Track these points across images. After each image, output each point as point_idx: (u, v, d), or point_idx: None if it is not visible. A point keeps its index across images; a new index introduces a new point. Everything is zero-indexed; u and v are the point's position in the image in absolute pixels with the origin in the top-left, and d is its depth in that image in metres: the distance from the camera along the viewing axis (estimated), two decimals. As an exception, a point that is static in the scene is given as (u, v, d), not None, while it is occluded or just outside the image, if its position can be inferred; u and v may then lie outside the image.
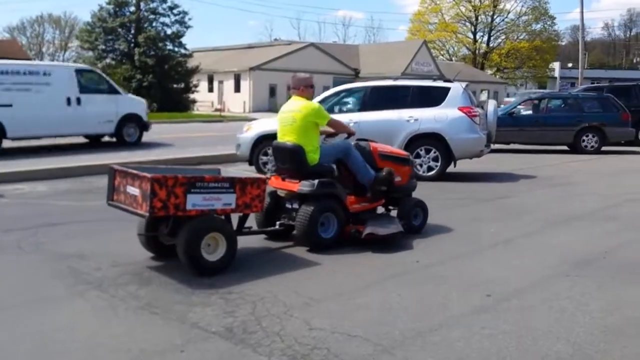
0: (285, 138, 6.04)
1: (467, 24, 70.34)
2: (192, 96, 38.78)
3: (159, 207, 4.54)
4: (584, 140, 15.83)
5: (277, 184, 6.09)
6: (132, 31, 35.07)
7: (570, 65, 74.77)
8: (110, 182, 5.10)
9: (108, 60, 35.09)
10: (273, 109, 47.46)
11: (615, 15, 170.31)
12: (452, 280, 4.76)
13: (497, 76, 70.36)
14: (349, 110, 11.08)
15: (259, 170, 10.95)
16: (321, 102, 11.05)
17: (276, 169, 6.39)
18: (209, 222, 4.89)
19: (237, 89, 47.42)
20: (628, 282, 4.74)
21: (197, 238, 4.76)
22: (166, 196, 4.56)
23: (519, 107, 16.76)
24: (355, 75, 53.09)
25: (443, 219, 6.91)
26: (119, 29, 34.69)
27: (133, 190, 4.77)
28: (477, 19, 68.64)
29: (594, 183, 10.36)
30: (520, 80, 71.55)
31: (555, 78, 70.53)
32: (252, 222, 5.83)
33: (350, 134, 6.49)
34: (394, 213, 6.58)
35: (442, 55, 73.22)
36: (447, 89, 10.62)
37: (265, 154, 10.87)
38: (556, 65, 74.19)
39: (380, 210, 6.59)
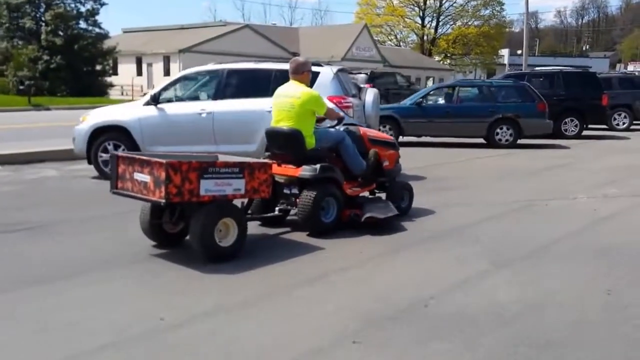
0: (282, 123, 6.10)
1: (416, 8, 69.40)
2: (109, 80, 36.54)
3: (174, 193, 4.58)
4: (497, 133, 14.62)
5: (274, 170, 5.86)
6: (42, 9, 32.64)
7: (519, 52, 74.81)
8: (114, 170, 5.07)
9: (16, 41, 32.57)
10: (205, 94, 45.66)
11: (568, 2, 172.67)
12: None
13: (445, 63, 69.80)
14: (201, 98, 9.52)
15: (99, 171, 9.36)
16: (167, 87, 9.54)
17: (270, 154, 6.30)
18: (221, 207, 4.96)
19: (167, 72, 45.29)
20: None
21: (212, 224, 4.83)
22: (181, 182, 4.59)
23: (429, 96, 15.46)
24: (294, 59, 51.43)
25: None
26: (26, 6, 32.22)
27: (142, 176, 4.79)
28: (425, 3, 67.61)
29: (486, 187, 9.06)
30: (469, 67, 71.16)
31: (505, 65, 70.41)
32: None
33: (340, 120, 6.61)
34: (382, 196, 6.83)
35: (390, 41, 72.24)
36: (316, 74, 9.17)
37: (106, 151, 9.28)
38: (505, 52, 74.09)
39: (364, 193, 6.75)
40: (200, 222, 4.81)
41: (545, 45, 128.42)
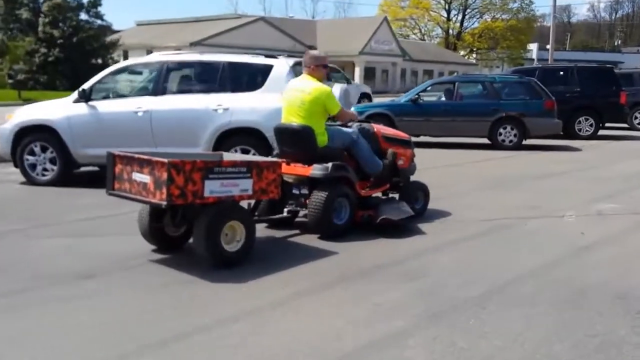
0: (292, 119, 5.84)
1: (441, 1, 67.77)
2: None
3: (177, 194, 4.37)
4: (500, 134, 13.30)
5: (283, 169, 5.52)
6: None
7: (549, 46, 72.63)
8: (110, 170, 4.84)
9: (15, 32, 31.81)
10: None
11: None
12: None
13: (470, 57, 68.12)
14: (138, 94, 8.41)
15: (25, 175, 8.34)
16: (101, 81, 8.46)
17: (280, 152, 6.02)
18: (228, 209, 4.75)
19: (178, 66, 44.46)
20: None
21: (217, 228, 4.61)
22: (184, 183, 4.39)
23: (425, 92, 14.14)
24: (311, 53, 50.28)
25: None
26: (23, -5, 31.49)
27: (142, 177, 4.57)
28: (451, -5, 66.04)
29: (468, 199, 7.74)
30: (495, 62, 69.32)
31: (533, 59, 68.50)
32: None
33: (353, 120, 6.36)
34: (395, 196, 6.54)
35: (415, 35, 70.75)
36: (269, 68, 8.02)
37: (33, 153, 8.26)
38: (534, 46, 72.09)
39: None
40: (204, 226, 4.57)
41: (577, 40, 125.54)
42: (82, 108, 8.18)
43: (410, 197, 6.47)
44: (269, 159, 5.34)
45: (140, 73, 8.64)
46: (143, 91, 8.38)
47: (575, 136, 15.57)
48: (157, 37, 46.72)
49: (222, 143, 7.85)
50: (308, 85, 5.82)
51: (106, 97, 8.42)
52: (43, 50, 29.81)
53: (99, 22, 34.52)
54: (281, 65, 7.98)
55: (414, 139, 7.22)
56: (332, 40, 47.57)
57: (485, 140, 13.70)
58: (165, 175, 4.31)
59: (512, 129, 13.20)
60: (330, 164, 5.64)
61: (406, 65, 54.01)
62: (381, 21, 50.11)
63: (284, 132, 5.97)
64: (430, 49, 61.86)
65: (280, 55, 8.36)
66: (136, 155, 4.68)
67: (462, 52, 68.37)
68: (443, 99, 14.03)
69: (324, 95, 5.78)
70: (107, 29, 36.78)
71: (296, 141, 5.85)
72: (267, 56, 8.23)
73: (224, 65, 8.11)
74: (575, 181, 9.32)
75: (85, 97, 8.17)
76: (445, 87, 14.19)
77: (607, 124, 16.72)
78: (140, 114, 7.98)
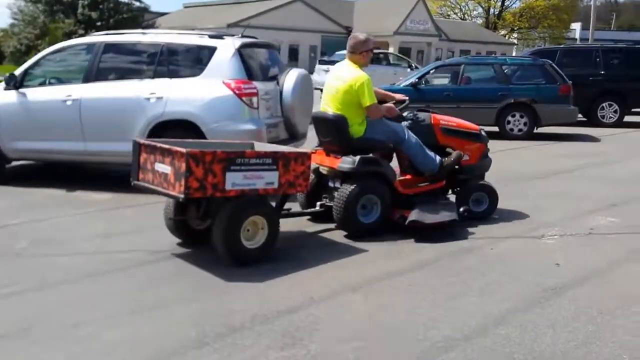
0: (327, 107, 5.32)
1: (483, -22, 64.47)
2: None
3: (196, 187, 4.01)
4: (509, 122, 11.53)
5: (319, 160, 5.36)
6: (82, -20, 30.89)
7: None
8: (136, 159, 4.52)
9: (58, 15, 30.99)
10: (255, 68, 43.42)
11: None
12: None
13: (511, 37, 64.96)
14: (71, 80, 7.09)
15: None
16: (34, 65, 7.19)
17: (319, 142, 5.56)
18: (250, 204, 4.34)
19: (216, 47, 43.38)
20: None
21: (238, 223, 4.21)
22: (203, 174, 4.01)
23: (431, 76, 12.41)
24: (347, 34, 48.39)
25: None
26: (66, -23, 30.56)
27: (163, 167, 4.23)
28: (493, -27, 62.69)
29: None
30: (536, 41, 65.91)
31: (576, 39, 64.94)
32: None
33: (400, 102, 5.59)
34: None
35: (455, 14, 67.82)
36: (212, 50, 6.59)
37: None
38: (577, 25, 68.31)
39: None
40: (224, 220, 4.19)
41: (624, 20, 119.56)
42: (11, 96, 6.94)
43: (468, 199, 5.54)
44: (298, 149, 4.79)
45: (75, 56, 7.31)
46: (75, 76, 7.06)
47: (599, 123, 13.65)
48: (200, 19, 45.64)
49: (158, 138, 6.52)
50: (345, 74, 5.21)
51: (43, 84, 7.18)
52: (81, 32, 28.79)
53: (137, 4, 33.42)
54: (225, 48, 6.54)
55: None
56: (368, 21, 45.62)
57: (495, 128, 11.97)
58: (184, 166, 3.94)
59: (521, 116, 11.42)
60: (358, 157, 4.99)
61: (442, 45, 51.51)
62: (417, 1, 47.62)
63: (319, 121, 5.43)
64: (469, 29, 58.94)
65: (228, 35, 6.91)
66: (159, 144, 4.33)
67: (502, 32, 65.14)
68: (435, 83, 12.33)
69: (358, 84, 5.06)
70: (145, 11, 35.74)
71: (329, 131, 5.29)
72: (211, 36, 6.80)
73: (163, 47, 6.72)
74: (580, 182, 7.64)
75: (15, 83, 6.93)
76: (452, 70, 12.44)
77: (635, 110, 14.76)
78: (69, 103, 6.69)
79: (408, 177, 5.45)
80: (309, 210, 5.42)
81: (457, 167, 5.57)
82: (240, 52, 6.54)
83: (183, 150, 4.01)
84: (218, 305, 3.71)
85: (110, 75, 6.85)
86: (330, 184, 5.36)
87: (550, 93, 11.37)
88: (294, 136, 6.97)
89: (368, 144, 5.20)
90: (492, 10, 64.74)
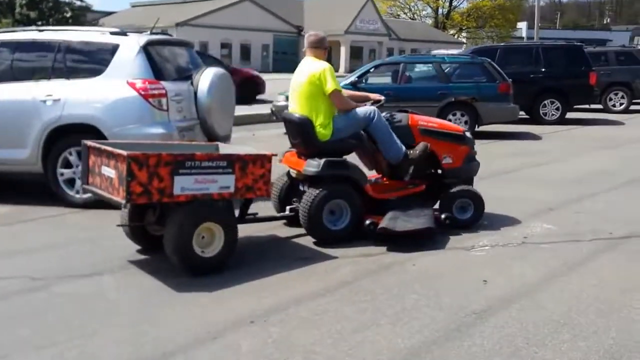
0: (295, 107, 5.00)
1: (430, -21, 64.69)
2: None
3: (139, 192, 3.76)
4: (450, 121, 11.11)
5: (290, 162, 5.08)
6: (20, -22, 29.36)
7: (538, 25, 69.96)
8: (85, 162, 4.33)
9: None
10: (204, 68, 42.43)
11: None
12: None
13: (460, 36, 65.46)
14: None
15: None
16: None
17: (290, 144, 5.25)
18: (203, 209, 4.03)
19: (165, 46, 42.21)
20: None
21: (189, 230, 3.92)
22: (148, 179, 3.76)
23: (371, 74, 11.91)
24: (298, 33, 47.86)
25: None
26: (1, -25, 29.05)
27: (109, 171, 3.99)
28: (441, -26, 62.94)
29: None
30: (484, 41, 66.50)
31: (523, 38, 65.84)
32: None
33: (376, 102, 5.23)
34: None
35: (405, 14, 67.93)
36: (115, 47, 5.91)
37: None
38: (523, 25, 69.25)
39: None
40: (174, 227, 3.94)
41: (568, 19, 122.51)
42: None
43: (451, 206, 5.13)
44: (257, 151, 4.45)
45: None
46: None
47: (541, 121, 13.42)
48: (148, 18, 44.21)
49: (56, 144, 5.82)
50: (308, 66, 4.92)
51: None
52: (19, 32, 27.40)
53: (78, 3, 31.98)
54: (129, 45, 5.86)
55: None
56: (319, 20, 45.06)
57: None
58: (125, 170, 3.69)
59: (462, 115, 11.01)
60: (323, 160, 4.68)
61: (393, 45, 51.48)
62: (366, 0, 47.36)
63: (287, 123, 5.14)
64: (419, 28, 59.19)
65: (132, 32, 6.24)
66: (103, 147, 4.08)
67: (452, 32, 65.58)
68: (376, 81, 11.85)
69: (320, 71, 4.79)
70: (88, 10, 34.35)
71: (297, 133, 4.98)
72: (114, 33, 6.10)
73: (60, 45, 6.00)
74: (518, 184, 7.22)
75: None
76: (393, 69, 11.97)
77: (579, 106, 14.62)
78: (-41, 108, 5.92)
79: (384, 180, 5.18)
80: (278, 215, 5.13)
81: (439, 170, 5.27)
82: (147, 50, 5.88)
83: (124, 153, 3.74)
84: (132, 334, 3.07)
85: (2, 77, 6.08)
86: (301, 188, 5.03)
87: (489, 91, 11.00)
88: (213, 139, 6.33)
89: (337, 146, 4.90)
90: (440, 10, 65.08)
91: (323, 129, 4.85)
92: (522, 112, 13.58)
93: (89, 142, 4.34)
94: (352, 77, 11.65)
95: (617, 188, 7.05)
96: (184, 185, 3.90)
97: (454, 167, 5.27)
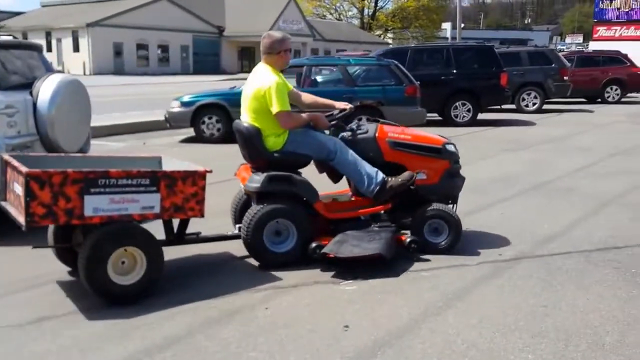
0: (244, 117, 4.53)
1: (357, -20, 64.85)
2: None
3: (42, 213, 3.42)
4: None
5: (241, 177, 4.64)
6: None
7: (462, 25, 71.34)
8: (3, 176, 3.99)
9: None
10: (120, 70, 40.87)
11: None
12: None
13: (385, 37, 65.96)
14: None
15: None
16: None
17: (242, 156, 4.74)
18: (119, 233, 3.67)
19: (76, 48, 40.28)
20: None
21: (102, 256, 3.57)
22: (52, 199, 3.42)
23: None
24: (220, 33, 46.85)
25: None
26: None
27: (18, 188, 3.64)
28: (366, -25, 63.18)
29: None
30: (409, 41, 67.27)
31: (447, 38, 67.00)
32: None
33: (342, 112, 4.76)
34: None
35: (332, 15, 67.88)
36: None
37: None
38: (447, 25, 70.45)
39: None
40: (86, 252, 3.53)
41: (492, 19, 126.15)
42: None
43: (421, 227, 4.59)
44: (191, 168, 4.06)
45: None
46: None
47: (452, 123, 13.14)
48: (59, 18, 42.39)
49: None
50: (255, 78, 4.48)
51: None
52: None
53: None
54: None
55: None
56: (241, 21, 44.37)
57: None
58: (24, 189, 3.38)
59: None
60: (264, 175, 4.29)
61: (318, 45, 51.26)
62: (288, 1, 46.84)
63: (236, 133, 4.61)
64: (344, 29, 59.23)
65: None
66: (12, 161, 3.74)
67: (377, 32, 65.99)
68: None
69: (265, 88, 4.32)
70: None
71: (244, 143, 4.51)
72: None
73: None
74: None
75: None
76: (296, 72, 11.36)
77: (493, 107, 14.47)
78: None
79: (357, 199, 4.70)
80: (225, 234, 4.57)
81: (411, 187, 4.64)
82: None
83: (24, 169, 3.42)
84: None
85: None
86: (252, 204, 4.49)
87: (396, 95, 10.58)
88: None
89: (289, 158, 4.46)
90: (366, 11, 65.42)
91: (275, 137, 4.42)
92: (434, 114, 13.32)
93: (6, 156, 3.95)
94: (252, 81, 10.98)
95: (516, 197, 6.67)
96: (97, 205, 3.56)
97: (429, 183, 4.70)
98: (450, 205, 4.85)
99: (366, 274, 4.22)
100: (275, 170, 4.37)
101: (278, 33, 4.65)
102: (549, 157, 9.28)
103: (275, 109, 4.31)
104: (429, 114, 11.67)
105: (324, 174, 4.80)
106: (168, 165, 4.40)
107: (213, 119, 10.78)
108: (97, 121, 10.75)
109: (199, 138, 10.86)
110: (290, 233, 4.37)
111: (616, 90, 19.43)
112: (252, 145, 4.46)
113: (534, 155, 9.46)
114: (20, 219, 3.52)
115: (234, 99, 10.78)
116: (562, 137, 11.60)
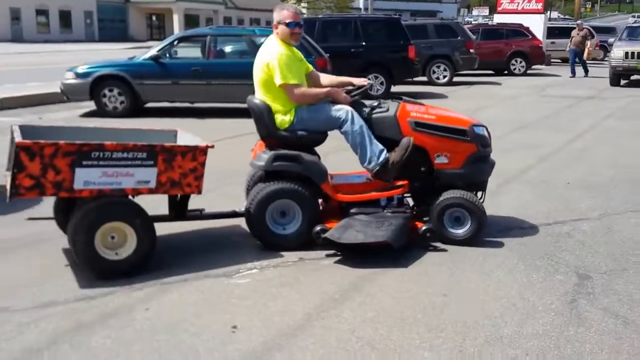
0: (256, 93, 4.35)
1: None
2: None
3: (29, 185, 3.39)
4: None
5: (255, 153, 4.43)
6: None
7: (376, -4, 71.49)
8: (11, 146, 3.72)
9: None
10: (18, 38, 38.30)
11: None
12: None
13: (300, 5, 65.24)
14: None
15: None
16: None
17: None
18: (108, 207, 3.61)
19: None
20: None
21: (89, 230, 3.53)
22: (41, 170, 3.38)
23: (176, 48, 10.67)
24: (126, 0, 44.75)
25: None
26: None
27: None
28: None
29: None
30: (325, 11, 66.82)
31: (360, 9, 67.03)
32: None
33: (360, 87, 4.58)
34: None
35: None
36: None
37: None
38: (359, -5, 70.47)
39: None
40: (73, 226, 3.53)
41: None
42: None
43: (441, 215, 4.29)
44: (193, 142, 3.96)
45: None
46: None
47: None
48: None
49: None
50: (262, 49, 4.35)
51: None
52: None
53: None
54: None
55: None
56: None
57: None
58: (13, 160, 3.36)
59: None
60: (271, 153, 4.16)
61: (231, 13, 50.01)
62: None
63: (249, 109, 4.40)
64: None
65: None
66: (15, 131, 3.65)
67: (292, 1, 65.18)
68: (182, 55, 10.75)
69: (268, 59, 4.17)
70: None
71: (256, 120, 4.35)
72: None
73: None
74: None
75: None
76: (201, 42, 10.80)
77: (405, 80, 14.41)
78: None
79: (372, 181, 4.40)
80: (227, 211, 4.43)
81: (430, 169, 4.39)
82: None
83: (17, 140, 3.40)
84: None
85: None
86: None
87: (305, 67, 10.25)
88: None
89: (299, 137, 4.27)
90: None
91: (283, 115, 4.25)
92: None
93: (14, 126, 3.84)
94: (153, 51, 10.35)
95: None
96: (88, 178, 3.49)
97: (450, 168, 4.36)
98: (477, 193, 4.55)
99: (263, 262, 3.96)
100: (287, 149, 4.20)
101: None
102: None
103: (278, 80, 4.12)
104: (339, 88, 11.46)
105: (350, 152, 4.44)
106: (182, 140, 4.26)
107: (115, 92, 10.10)
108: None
109: (102, 112, 10.17)
110: (295, 214, 4.19)
111: (521, 62, 19.93)
112: (263, 123, 4.28)
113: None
114: (7, 190, 3.46)
115: (135, 70, 10.22)
116: (471, 111, 11.69)
